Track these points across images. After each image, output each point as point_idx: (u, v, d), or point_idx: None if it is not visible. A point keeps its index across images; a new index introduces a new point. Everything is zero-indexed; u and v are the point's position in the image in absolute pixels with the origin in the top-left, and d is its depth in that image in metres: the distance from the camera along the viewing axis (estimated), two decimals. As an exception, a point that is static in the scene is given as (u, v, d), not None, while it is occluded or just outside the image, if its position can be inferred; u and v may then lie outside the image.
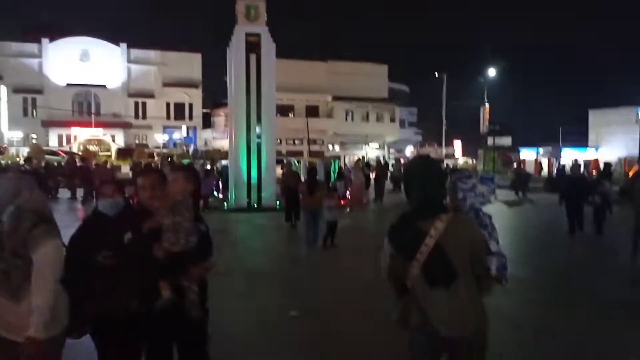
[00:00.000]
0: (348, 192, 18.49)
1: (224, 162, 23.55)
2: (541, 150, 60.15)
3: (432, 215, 2.66)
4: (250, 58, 18.12)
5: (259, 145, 18.17)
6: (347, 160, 43.77)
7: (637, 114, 55.16)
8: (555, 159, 42.16)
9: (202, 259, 3.32)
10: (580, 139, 67.63)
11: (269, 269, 8.92)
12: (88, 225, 3.35)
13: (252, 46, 18.01)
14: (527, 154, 57.05)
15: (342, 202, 15.92)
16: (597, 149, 60.60)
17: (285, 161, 17.63)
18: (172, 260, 3.14)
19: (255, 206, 17.80)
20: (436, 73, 44.90)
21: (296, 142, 51.28)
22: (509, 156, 37.03)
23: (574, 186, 12.18)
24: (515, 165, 30.61)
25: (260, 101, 18.18)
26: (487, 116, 38.79)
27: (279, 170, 19.05)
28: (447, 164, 33.35)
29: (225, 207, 18.10)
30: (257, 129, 18.16)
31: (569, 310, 6.61)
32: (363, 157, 34.76)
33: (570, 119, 78.64)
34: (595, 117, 66.33)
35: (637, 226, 9.80)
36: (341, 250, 10.44)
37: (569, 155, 50.27)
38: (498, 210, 17.71)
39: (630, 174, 29.78)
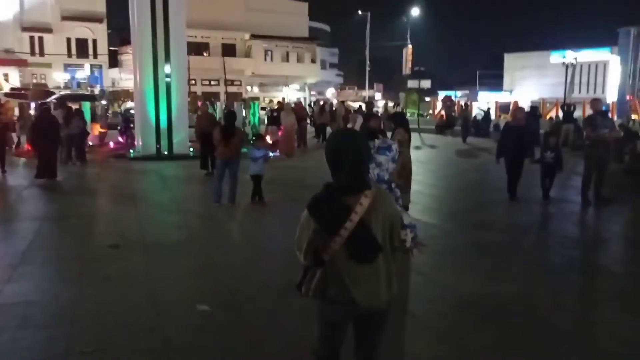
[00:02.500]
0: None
1: (129, 104, 21.40)
2: (459, 93, 61.30)
3: (357, 190, 2.64)
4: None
5: (168, 86, 16.37)
6: (266, 102, 41.97)
7: (550, 58, 57.26)
8: (470, 103, 42.77)
9: None
10: (497, 83, 69.68)
11: (173, 238, 7.40)
12: None
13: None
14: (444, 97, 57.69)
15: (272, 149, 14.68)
16: (511, 92, 62.64)
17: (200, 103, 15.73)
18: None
19: (166, 153, 16.20)
20: (359, 11, 43.26)
21: (212, 83, 48.81)
22: (450, 99, 36.03)
23: (519, 138, 9.79)
24: (463, 108, 29.57)
25: (168, 35, 16.23)
26: (409, 58, 38.12)
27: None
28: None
29: (132, 155, 16.35)
30: (166, 68, 16.29)
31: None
32: (283, 99, 33.21)
33: (487, 63, 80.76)
34: (510, 61, 68.30)
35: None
36: (269, 207, 9.23)
37: (485, 98, 51.41)
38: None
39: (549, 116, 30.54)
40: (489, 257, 6.71)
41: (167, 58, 16.30)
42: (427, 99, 48.37)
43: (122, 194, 10.95)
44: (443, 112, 32.62)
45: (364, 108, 23.28)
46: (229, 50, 50.35)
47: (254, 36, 50.62)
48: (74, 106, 16.67)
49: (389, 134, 8.14)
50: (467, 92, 61.32)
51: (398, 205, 3.35)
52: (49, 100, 20.02)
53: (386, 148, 4.36)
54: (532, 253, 7.02)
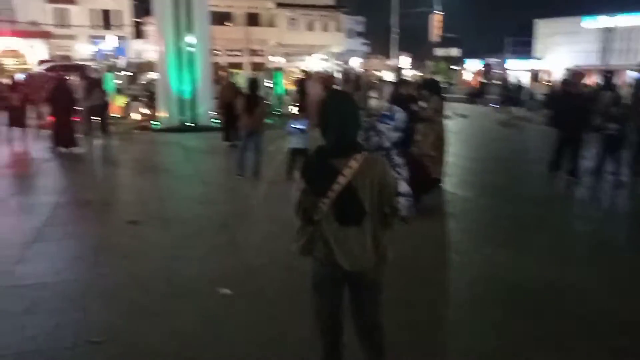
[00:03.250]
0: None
1: (152, 75, 21.01)
2: (487, 61, 59.52)
3: (346, 154, 2.66)
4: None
5: (191, 56, 15.97)
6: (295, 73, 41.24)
7: (583, 24, 54.95)
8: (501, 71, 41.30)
9: None
10: (526, 50, 67.46)
11: (195, 214, 7.04)
12: None
13: None
14: (472, 65, 56.15)
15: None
16: (540, 60, 60.54)
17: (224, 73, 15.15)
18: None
19: (189, 125, 15.88)
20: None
21: (236, 53, 48.19)
22: (490, 66, 33.22)
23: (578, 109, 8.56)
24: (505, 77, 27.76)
25: (190, 4, 15.75)
26: (437, 25, 36.87)
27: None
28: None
29: (155, 127, 16.07)
30: (189, 38, 15.87)
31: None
32: (307, 70, 32.46)
33: (516, 30, 78.04)
34: (541, 27, 65.94)
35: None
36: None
37: (514, 66, 49.75)
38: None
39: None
40: (533, 235, 6.21)
41: (190, 28, 15.87)
42: (455, 67, 47.11)
43: (144, 166, 10.70)
44: (480, 80, 31.00)
45: (390, 77, 22.52)
46: (253, 19, 49.52)
47: (278, 5, 49.61)
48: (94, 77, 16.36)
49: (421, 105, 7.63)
50: (495, 59, 59.58)
51: (397, 174, 3.22)
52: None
53: (388, 117, 4.23)
54: (583, 231, 6.49)
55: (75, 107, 12.27)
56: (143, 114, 18.44)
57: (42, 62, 31.82)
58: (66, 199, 7.77)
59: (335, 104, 2.76)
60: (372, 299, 2.86)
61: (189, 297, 4.37)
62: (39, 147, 12.05)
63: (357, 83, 22.00)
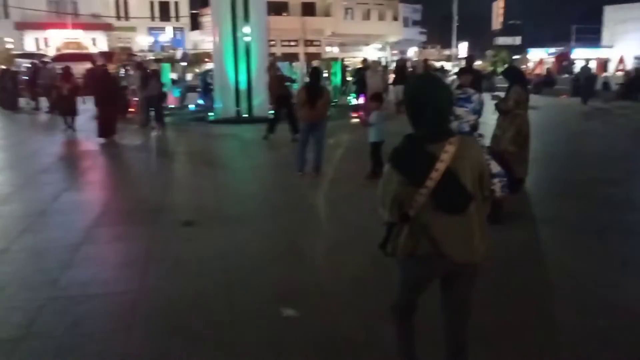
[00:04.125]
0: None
1: (209, 65, 20.78)
2: (551, 49, 56.72)
3: (441, 138, 2.46)
4: None
5: (247, 47, 15.53)
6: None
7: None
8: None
9: None
10: (593, 39, 63.89)
11: (253, 215, 6.43)
12: None
13: None
14: (536, 55, 53.69)
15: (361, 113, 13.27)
16: (610, 48, 57.15)
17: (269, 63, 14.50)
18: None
19: (245, 116, 15.47)
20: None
21: (292, 43, 47.81)
22: (567, 56, 28.74)
23: None
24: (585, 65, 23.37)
25: None
26: (500, 12, 35.22)
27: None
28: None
29: (211, 118, 15.77)
30: (245, 28, 15.44)
31: None
32: (365, 60, 31.58)
33: (582, 17, 74.09)
34: (610, 14, 62.26)
35: None
36: (360, 179, 7.86)
37: (581, 55, 47.13)
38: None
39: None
40: (630, 245, 5.31)
41: (246, 17, 15.45)
42: (516, 56, 45.13)
43: (199, 160, 10.27)
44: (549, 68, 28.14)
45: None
46: (308, 9, 48.98)
47: (334, -6, 48.91)
48: (153, 68, 16.20)
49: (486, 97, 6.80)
50: (561, 48, 56.87)
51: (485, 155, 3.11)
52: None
53: (465, 99, 3.98)
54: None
55: (116, 97, 12.38)
56: (200, 105, 18.25)
57: (102, 53, 32.31)
58: (117, 196, 7.42)
59: (427, 89, 2.53)
60: (470, 285, 2.70)
61: (249, 318, 3.78)
62: (89, 138, 11.94)
63: (411, 73, 21.03)
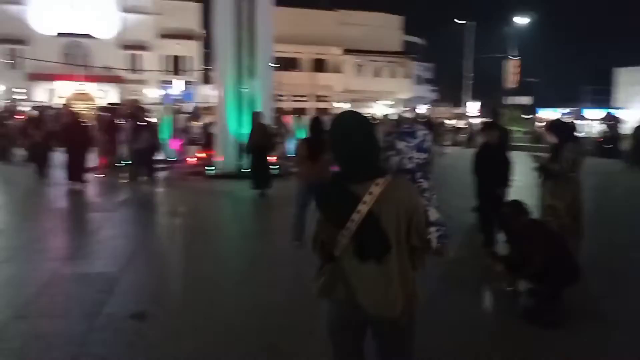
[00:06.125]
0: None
1: (210, 118, 20.15)
2: (561, 110, 56.20)
3: (367, 178, 2.37)
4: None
5: (251, 100, 14.85)
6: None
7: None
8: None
9: None
10: (604, 100, 63.55)
11: (229, 303, 5.01)
12: None
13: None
14: (546, 115, 53.21)
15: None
16: (623, 110, 56.61)
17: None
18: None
19: (246, 171, 14.51)
20: (456, 20, 40.18)
21: (301, 98, 47.66)
22: (613, 116, 25.75)
23: None
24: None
25: (253, 49, 14.87)
26: (514, 71, 34.75)
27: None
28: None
29: (210, 172, 14.83)
30: (249, 82, 14.85)
31: None
32: (373, 116, 31.03)
33: (592, 79, 74.10)
34: (622, 76, 62.15)
35: None
36: None
37: (592, 116, 46.46)
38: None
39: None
40: None
41: (252, 71, 14.96)
42: (526, 116, 44.64)
43: (179, 223, 8.91)
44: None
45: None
46: (319, 65, 49.15)
47: (346, 51, 49.06)
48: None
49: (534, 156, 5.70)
50: (575, 108, 56.51)
51: (426, 200, 2.80)
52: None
53: (409, 134, 3.49)
54: None
55: (88, 144, 12.51)
56: (199, 158, 17.38)
57: (109, 104, 32.02)
58: (57, 265, 6.11)
59: (346, 123, 2.46)
60: (398, 349, 2.47)
61: None
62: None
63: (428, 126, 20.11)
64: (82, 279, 5.64)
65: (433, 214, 3.38)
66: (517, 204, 4.95)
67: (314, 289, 2.49)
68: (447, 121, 38.35)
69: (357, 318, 2.44)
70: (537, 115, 52.73)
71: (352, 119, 2.48)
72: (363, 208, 2.30)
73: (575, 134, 6.32)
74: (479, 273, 5.24)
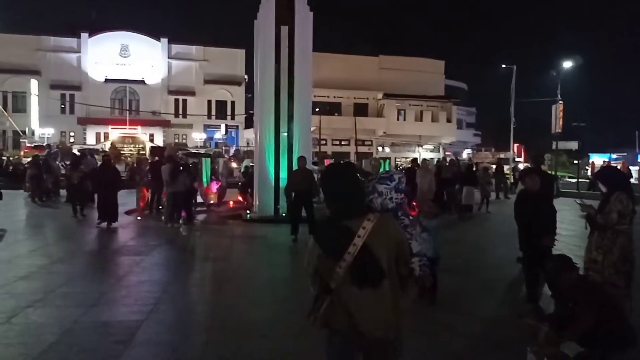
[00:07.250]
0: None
1: (248, 161, 20.09)
2: (614, 155, 54.13)
3: (357, 214, 2.65)
4: (282, 32, 14.66)
5: (290, 144, 14.67)
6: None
7: None
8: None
9: None
10: (656, 144, 60.99)
11: None
12: None
13: (283, 14, 14.58)
14: (597, 161, 51.48)
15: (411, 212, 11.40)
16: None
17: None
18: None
19: (284, 215, 14.21)
20: (503, 65, 39.55)
21: (343, 142, 47.69)
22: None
23: None
24: None
25: (292, 94, 14.83)
26: (560, 115, 33.76)
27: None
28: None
29: (248, 217, 14.60)
30: (288, 126, 14.73)
31: None
32: (415, 159, 30.42)
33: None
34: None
35: None
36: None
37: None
38: None
39: None
40: None
41: (291, 116, 14.85)
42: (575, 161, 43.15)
43: (208, 269, 8.49)
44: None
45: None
46: (360, 109, 49.28)
47: (387, 95, 49.11)
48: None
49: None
50: (624, 154, 54.55)
51: (408, 234, 3.20)
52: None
53: (387, 178, 4.01)
54: None
55: (117, 185, 12.97)
56: (237, 202, 17.27)
57: (152, 147, 32.70)
58: (91, 313, 5.81)
59: (331, 177, 2.79)
60: None
61: None
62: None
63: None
64: (102, 327, 5.34)
65: (415, 246, 3.82)
66: (563, 258, 4.40)
67: (311, 321, 2.61)
68: (492, 166, 37.35)
69: (357, 343, 2.63)
70: (590, 160, 51.23)
71: (341, 167, 2.87)
72: (358, 241, 2.55)
73: (627, 181, 5.71)
74: (521, 334, 4.64)
